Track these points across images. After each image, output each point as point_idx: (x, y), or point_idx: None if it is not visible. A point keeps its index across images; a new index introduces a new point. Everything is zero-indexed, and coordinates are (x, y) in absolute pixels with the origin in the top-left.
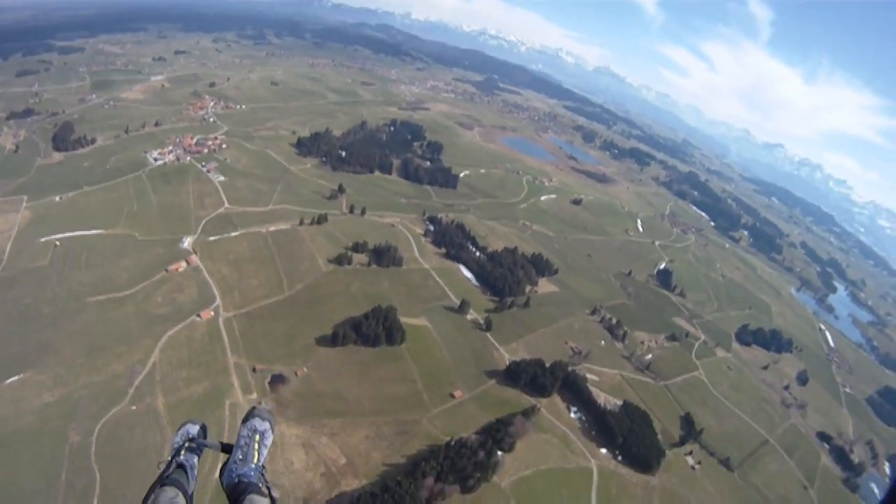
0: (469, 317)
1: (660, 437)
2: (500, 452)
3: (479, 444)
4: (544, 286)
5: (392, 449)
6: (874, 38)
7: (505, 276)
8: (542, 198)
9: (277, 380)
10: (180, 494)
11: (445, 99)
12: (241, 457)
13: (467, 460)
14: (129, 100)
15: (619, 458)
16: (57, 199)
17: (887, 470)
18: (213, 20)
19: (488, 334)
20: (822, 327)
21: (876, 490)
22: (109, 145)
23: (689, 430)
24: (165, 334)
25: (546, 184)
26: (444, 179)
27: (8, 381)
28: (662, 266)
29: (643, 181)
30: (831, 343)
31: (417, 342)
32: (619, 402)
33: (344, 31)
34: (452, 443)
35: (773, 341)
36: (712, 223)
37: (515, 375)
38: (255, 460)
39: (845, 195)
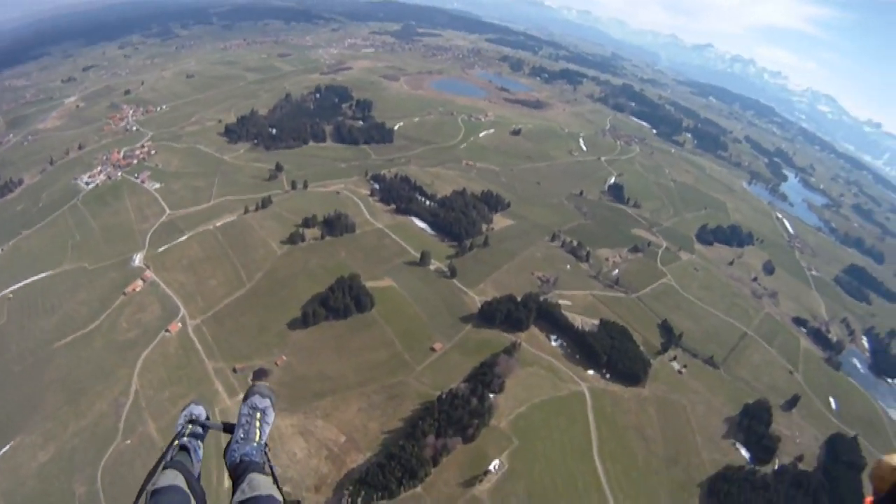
0: (432, 267)
1: (642, 348)
2: (491, 395)
3: (469, 392)
4: (500, 222)
5: (387, 415)
6: None
7: (459, 220)
8: (481, 134)
9: (260, 374)
10: (181, 476)
11: (366, 55)
12: (242, 436)
13: (462, 410)
14: (47, 129)
15: (608, 376)
16: None
17: (865, 344)
18: (115, 26)
19: (455, 281)
20: (779, 216)
21: (858, 364)
22: (38, 182)
23: (669, 336)
24: (139, 358)
25: (482, 120)
26: (380, 135)
27: (0, 452)
28: (612, 181)
29: (578, 101)
30: (791, 230)
31: (387, 304)
32: (596, 322)
33: (251, 7)
34: (444, 396)
35: (734, 237)
36: (654, 131)
37: (490, 316)
38: (258, 438)
39: (782, 86)
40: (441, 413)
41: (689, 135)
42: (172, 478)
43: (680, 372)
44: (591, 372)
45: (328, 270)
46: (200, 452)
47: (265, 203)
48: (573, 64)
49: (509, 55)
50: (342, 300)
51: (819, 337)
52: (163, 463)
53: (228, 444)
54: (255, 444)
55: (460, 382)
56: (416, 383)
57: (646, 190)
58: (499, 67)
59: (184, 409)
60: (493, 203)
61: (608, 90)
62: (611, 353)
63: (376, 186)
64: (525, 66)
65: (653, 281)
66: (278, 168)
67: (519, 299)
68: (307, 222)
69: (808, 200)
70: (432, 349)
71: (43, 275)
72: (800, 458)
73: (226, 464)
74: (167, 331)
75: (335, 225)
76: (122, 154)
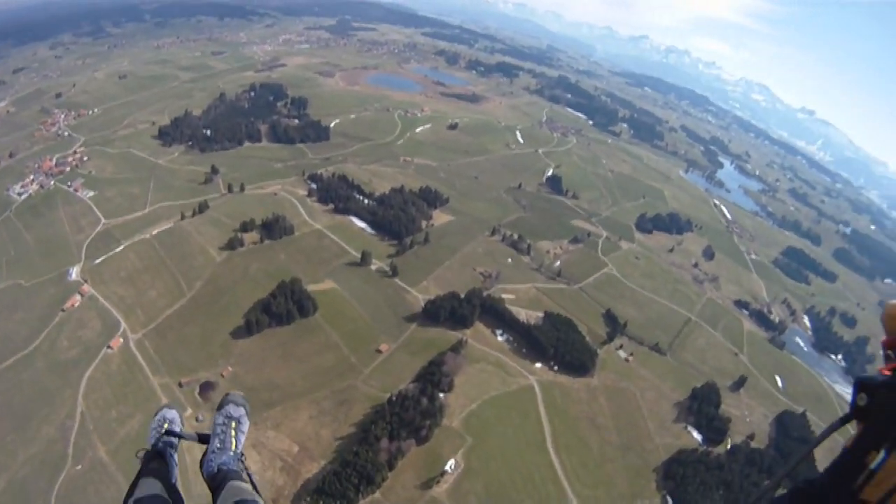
0: (373, 267)
1: (588, 338)
2: (441, 394)
3: (419, 392)
4: (439, 218)
5: (338, 421)
6: None
7: (398, 217)
8: (418, 130)
9: (206, 387)
10: (159, 483)
11: (301, 51)
12: (218, 445)
13: (413, 411)
14: None
15: (555, 368)
16: None
17: (807, 323)
18: (45, 26)
19: (396, 280)
20: (717, 202)
21: (801, 343)
22: None
23: (614, 325)
24: (83, 378)
25: (419, 115)
26: (316, 133)
27: None
28: (550, 173)
29: (515, 93)
30: (728, 216)
31: (330, 307)
32: (541, 315)
33: (184, 2)
34: (394, 398)
35: (673, 224)
36: (590, 122)
37: (434, 314)
38: (234, 447)
39: (716, 76)
40: (392, 416)
41: (625, 125)
42: (151, 486)
43: (627, 360)
44: (538, 365)
45: (269, 275)
46: (176, 457)
47: (202, 208)
48: (509, 57)
49: (445, 49)
50: (285, 306)
51: (761, 318)
52: (141, 472)
53: (204, 454)
54: (231, 454)
55: (409, 383)
56: (365, 387)
57: (584, 181)
58: (435, 61)
59: (156, 414)
60: (431, 199)
61: (544, 82)
62: (557, 345)
63: (314, 186)
64: (461, 60)
65: (595, 271)
66: (214, 171)
67: (462, 296)
68: (245, 226)
69: (744, 186)
70: (378, 351)
71: None
72: (751, 437)
73: (203, 475)
74: (109, 347)
75: (274, 228)
76: (54, 161)
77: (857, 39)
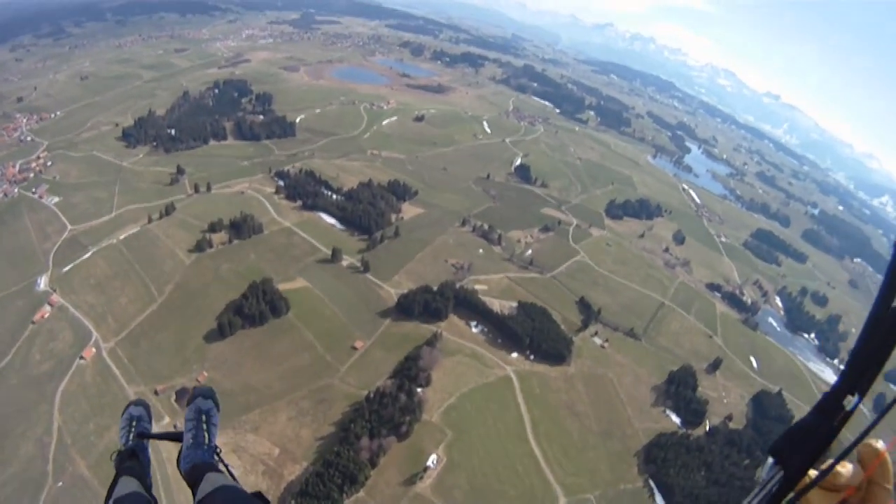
0: (344, 263)
1: (562, 327)
2: (419, 389)
3: (397, 388)
4: (409, 211)
5: (317, 421)
6: None
7: (367, 212)
8: (384, 122)
9: (183, 394)
10: (136, 481)
11: (265, 46)
12: (191, 441)
13: (392, 408)
14: None
15: (532, 357)
16: None
17: (779, 303)
18: (5, 27)
19: (368, 275)
20: (685, 187)
21: (774, 323)
22: None
23: (588, 312)
24: (58, 392)
25: (385, 108)
26: (282, 129)
27: None
28: (518, 162)
29: (481, 83)
30: (697, 200)
31: (303, 306)
32: (515, 305)
33: (145, 0)
34: (371, 395)
35: (643, 210)
36: (557, 110)
37: (408, 308)
38: (206, 441)
39: (681, 62)
40: (371, 413)
41: (592, 112)
42: (129, 484)
43: (603, 347)
44: (515, 355)
45: (240, 276)
46: (149, 454)
47: (169, 210)
48: (474, 47)
49: (410, 40)
50: (257, 307)
51: (734, 300)
52: (117, 472)
53: (180, 452)
54: (205, 448)
55: (386, 379)
56: (342, 385)
57: (552, 169)
58: (400, 53)
59: (123, 413)
60: (400, 192)
61: (510, 72)
62: (532, 334)
63: (281, 183)
64: (426, 51)
65: (566, 259)
66: (180, 171)
67: (435, 289)
68: (213, 227)
69: (712, 171)
70: (354, 348)
71: None
72: (729, 418)
73: (181, 472)
74: (82, 358)
75: (242, 227)
76: (17, 168)
77: (821, 21)
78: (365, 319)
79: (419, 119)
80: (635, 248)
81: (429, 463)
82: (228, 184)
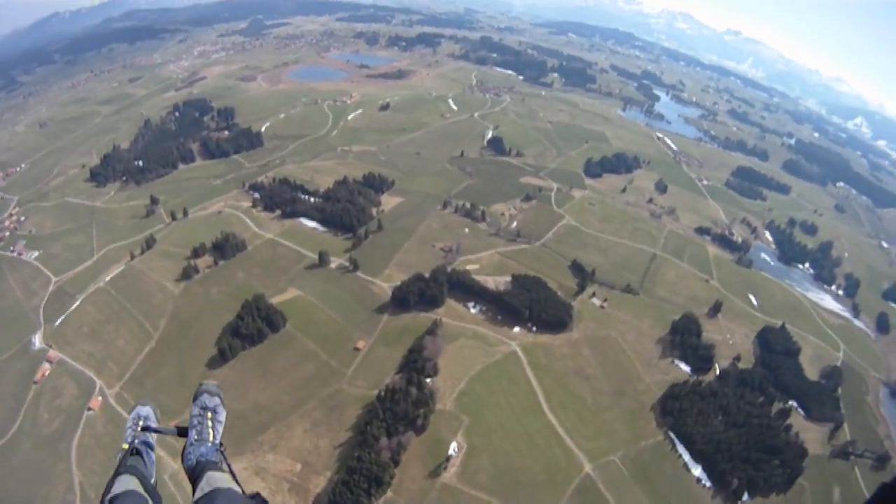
0: (333, 265)
1: (559, 293)
2: (428, 380)
3: (406, 382)
4: (388, 202)
5: (333, 429)
6: None
7: (347, 210)
8: (350, 117)
9: None
10: (136, 480)
11: (218, 60)
12: (196, 437)
13: (404, 403)
14: None
15: (534, 329)
16: None
17: (769, 237)
18: None
19: (359, 273)
20: (660, 135)
21: (767, 258)
22: None
23: (582, 275)
24: (72, 447)
25: (348, 102)
26: (249, 141)
27: None
28: (490, 135)
29: (440, 62)
30: (673, 147)
31: (299, 316)
32: (508, 279)
33: (92, 35)
34: (382, 394)
35: (621, 164)
36: (521, 77)
37: (403, 300)
38: (211, 438)
39: (637, 11)
40: (385, 412)
41: (555, 74)
42: (127, 482)
43: (602, 307)
44: (517, 329)
45: (231, 297)
46: (153, 454)
47: (149, 243)
48: (429, 27)
49: (363, 31)
50: (254, 325)
51: (724, 241)
52: (117, 470)
53: (184, 447)
54: (209, 445)
55: (394, 375)
56: (351, 388)
57: (525, 137)
58: (355, 45)
59: (130, 412)
60: (377, 184)
61: (468, 46)
62: (531, 305)
63: (256, 196)
64: (381, 39)
65: (552, 225)
66: (154, 202)
67: (427, 275)
68: (197, 252)
69: (683, 115)
70: (356, 349)
71: None
72: (738, 359)
73: (184, 468)
74: (90, 409)
75: (225, 247)
76: None
77: None
78: (362, 318)
79: (384, 108)
80: (619, 204)
81: (450, 452)
82: (204, 206)
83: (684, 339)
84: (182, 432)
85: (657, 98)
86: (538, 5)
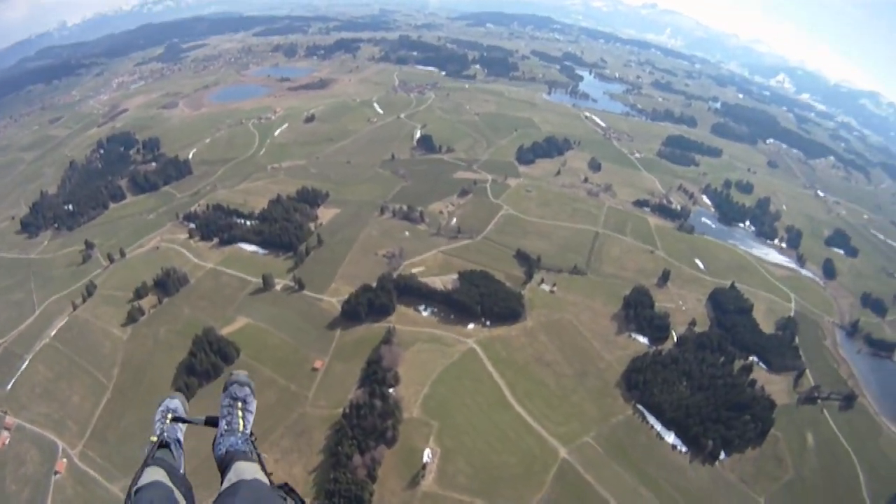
0: (279, 287)
1: (508, 284)
2: (391, 390)
3: (369, 396)
4: (325, 215)
5: (304, 455)
6: None
7: (285, 229)
8: (276, 133)
9: None
10: (162, 471)
11: (138, 90)
12: (226, 427)
13: (371, 417)
14: None
15: (488, 323)
16: None
17: (707, 201)
18: None
19: (305, 292)
20: (587, 114)
21: (708, 221)
22: None
23: (529, 263)
24: None
25: (273, 118)
26: (177, 171)
27: None
28: (419, 134)
29: (361, 67)
30: (602, 124)
31: (252, 344)
32: (455, 277)
33: (6, 79)
34: (347, 411)
35: (552, 147)
36: (443, 72)
37: (354, 313)
38: (241, 428)
39: None
40: (353, 429)
41: (477, 66)
42: (153, 474)
43: (552, 292)
44: (471, 326)
45: (181, 334)
46: (182, 451)
47: (90, 290)
48: (346, 32)
49: (281, 43)
50: (207, 360)
51: (664, 210)
52: (145, 462)
53: (215, 438)
54: (239, 434)
55: (356, 390)
56: (315, 410)
57: (454, 132)
58: (273, 59)
59: (159, 405)
60: (311, 199)
61: (387, 47)
62: (481, 300)
63: (192, 226)
64: (300, 49)
65: (492, 217)
66: (89, 246)
67: (374, 285)
68: (139, 293)
69: (608, 92)
70: (314, 369)
71: None
72: (693, 324)
73: (214, 457)
74: (56, 472)
75: (167, 284)
76: None
77: None
78: (315, 337)
79: (310, 120)
80: (555, 187)
81: (425, 459)
82: (141, 243)
83: (638, 311)
84: (211, 422)
85: (581, 78)
86: None
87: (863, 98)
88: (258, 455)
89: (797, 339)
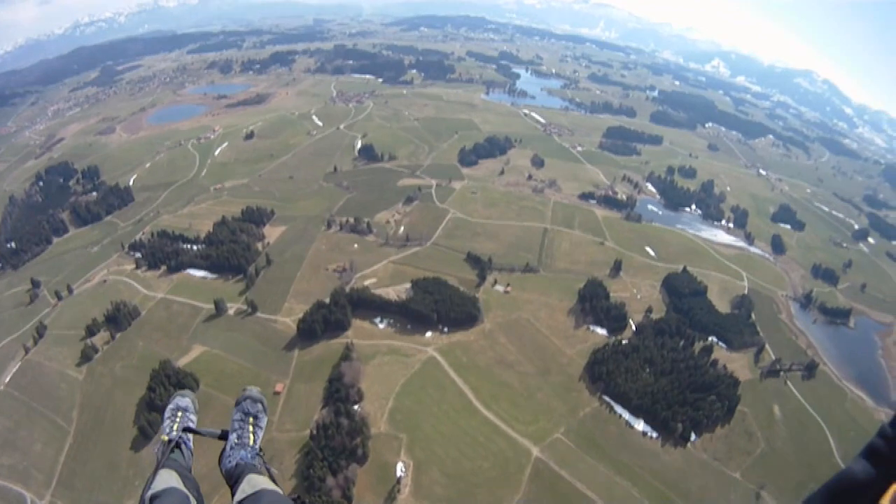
0: (231, 311)
1: (462, 289)
2: (356, 407)
3: (335, 415)
4: (272, 233)
5: (275, 482)
6: None
7: (233, 251)
8: (216, 153)
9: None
10: (175, 474)
11: (73, 117)
12: (236, 441)
13: (339, 436)
14: None
15: (445, 330)
16: None
17: (652, 189)
18: None
19: (259, 314)
20: (526, 112)
21: (654, 208)
22: None
23: (480, 265)
24: None
25: (212, 137)
26: (119, 199)
27: None
28: (360, 144)
29: (297, 79)
30: (542, 120)
31: (210, 373)
32: (408, 286)
33: None
34: (314, 432)
35: (494, 147)
36: (380, 80)
37: (310, 331)
38: (251, 443)
39: None
40: (322, 450)
41: (414, 71)
42: (168, 479)
43: (507, 292)
44: (429, 334)
45: (137, 369)
46: (191, 444)
47: (40, 331)
48: (280, 45)
49: (216, 60)
50: (167, 394)
51: (610, 201)
52: (158, 465)
53: (223, 450)
54: (249, 449)
55: (320, 410)
56: (282, 434)
57: (394, 139)
58: (209, 76)
59: (169, 403)
60: (257, 218)
61: (322, 58)
62: (437, 307)
63: (138, 255)
64: (235, 65)
65: (439, 222)
66: (35, 284)
67: (328, 301)
68: (91, 330)
69: (546, 88)
70: (276, 393)
71: None
72: (649, 311)
73: (221, 471)
74: None
75: (119, 318)
76: None
77: None
78: (274, 360)
79: (249, 136)
80: (500, 187)
81: (398, 473)
82: (87, 277)
83: (594, 304)
84: (223, 435)
85: (517, 76)
86: (387, 4)
87: (798, 77)
88: (268, 469)
89: (753, 316)
